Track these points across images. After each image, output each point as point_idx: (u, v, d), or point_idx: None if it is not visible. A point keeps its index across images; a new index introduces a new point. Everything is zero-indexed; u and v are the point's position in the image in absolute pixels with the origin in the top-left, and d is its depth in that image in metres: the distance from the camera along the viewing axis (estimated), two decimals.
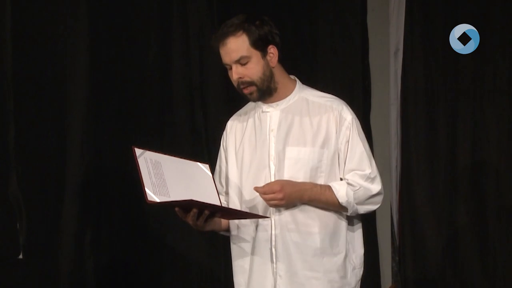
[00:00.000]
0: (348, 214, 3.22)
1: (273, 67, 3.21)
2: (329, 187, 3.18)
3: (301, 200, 3.17)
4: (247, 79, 3.18)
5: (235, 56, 3.15)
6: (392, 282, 5.29)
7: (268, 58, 3.19)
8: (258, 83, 3.18)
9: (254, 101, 3.26)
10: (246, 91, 3.21)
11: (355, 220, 3.31)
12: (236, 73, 3.17)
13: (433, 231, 5.13)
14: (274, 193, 3.09)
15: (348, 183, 3.20)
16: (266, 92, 3.22)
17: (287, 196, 3.11)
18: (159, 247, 4.38)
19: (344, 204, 3.18)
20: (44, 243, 4.03)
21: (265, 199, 3.11)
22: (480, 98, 5.09)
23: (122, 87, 4.31)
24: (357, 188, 3.19)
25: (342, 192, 3.17)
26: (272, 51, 3.19)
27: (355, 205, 3.20)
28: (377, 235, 5.22)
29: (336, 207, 3.21)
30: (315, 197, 3.17)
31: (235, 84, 3.21)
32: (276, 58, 3.21)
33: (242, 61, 3.16)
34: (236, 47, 3.15)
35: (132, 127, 4.32)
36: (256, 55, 3.16)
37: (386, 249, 5.28)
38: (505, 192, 5.03)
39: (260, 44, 3.16)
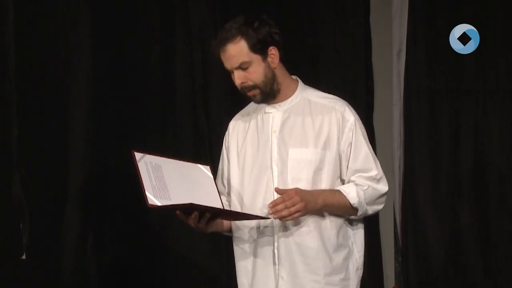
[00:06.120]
0: (357, 216, 3.19)
1: (274, 68, 3.18)
2: (337, 191, 3.15)
3: (315, 207, 3.10)
4: (250, 83, 3.16)
5: (236, 62, 3.13)
6: (395, 283, 5.29)
7: (269, 60, 3.16)
8: (261, 86, 3.17)
9: (258, 103, 3.25)
10: (250, 94, 3.20)
11: (358, 220, 3.28)
12: (238, 78, 3.16)
13: (436, 231, 5.13)
14: (295, 205, 3.02)
15: (356, 184, 3.17)
16: (270, 94, 3.21)
17: (307, 206, 3.05)
18: (162, 248, 4.38)
19: (356, 205, 3.14)
20: (47, 244, 4.03)
21: (290, 213, 3.01)
22: (483, 98, 5.10)
23: (125, 88, 4.31)
24: (365, 187, 3.16)
25: (352, 194, 3.14)
26: (273, 52, 3.17)
27: (365, 205, 3.16)
28: (380, 235, 5.21)
29: (347, 210, 3.16)
30: (328, 201, 3.11)
31: (238, 88, 3.19)
32: (277, 59, 3.18)
33: (243, 66, 3.14)
34: (235, 53, 3.12)
35: (135, 128, 4.31)
36: (256, 59, 3.14)
37: (389, 249, 5.27)
38: (508, 192, 5.04)
39: (259, 48, 3.13)
